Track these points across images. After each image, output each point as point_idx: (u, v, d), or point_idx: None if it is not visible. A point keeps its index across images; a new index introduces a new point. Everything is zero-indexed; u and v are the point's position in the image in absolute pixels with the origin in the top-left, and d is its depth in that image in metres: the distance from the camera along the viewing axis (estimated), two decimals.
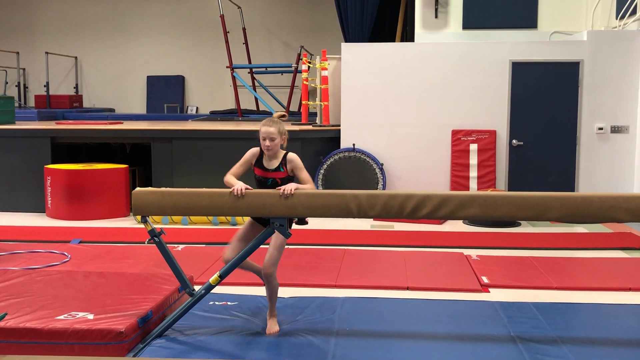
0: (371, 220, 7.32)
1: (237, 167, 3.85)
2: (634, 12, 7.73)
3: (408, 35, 9.76)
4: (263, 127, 3.79)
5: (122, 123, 9.79)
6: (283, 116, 3.98)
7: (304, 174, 3.81)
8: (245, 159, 3.87)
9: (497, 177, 8.00)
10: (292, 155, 3.82)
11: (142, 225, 3.73)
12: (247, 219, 3.96)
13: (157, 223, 7.15)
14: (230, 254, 3.79)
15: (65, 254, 5.71)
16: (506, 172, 8.02)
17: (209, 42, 13.69)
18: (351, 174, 8.10)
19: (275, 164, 3.79)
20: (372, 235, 6.75)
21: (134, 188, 8.01)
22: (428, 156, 8.11)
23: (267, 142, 3.75)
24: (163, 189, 3.82)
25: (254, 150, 3.86)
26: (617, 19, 8.10)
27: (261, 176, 3.81)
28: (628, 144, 7.79)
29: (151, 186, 8.03)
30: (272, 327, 3.83)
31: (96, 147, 9.14)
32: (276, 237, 3.77)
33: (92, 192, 7.67)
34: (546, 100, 7.90)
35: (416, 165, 8.13)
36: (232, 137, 8.16)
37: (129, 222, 7.51)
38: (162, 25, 14.17)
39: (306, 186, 3.74)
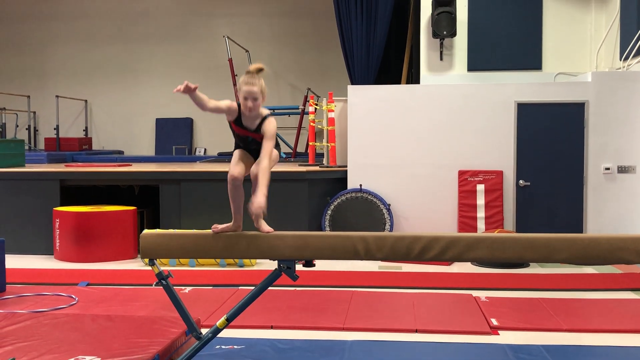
0: (379, 261, 7.30)
1: (214, 104, 3.62)
2: (637, 53, 7.81)
3: (414, 77, 9.87)
4: (245, 87, 3.55)
5: (131, 165, 9.87)
6: (261, 69, 3.70)
7: (269, 145, 3.61)
8: (223, 106, 3.63)
9: (505, 217, 7.98)
10: (270, 120, 3.62)
11: (150, 268, 3.73)
12: (235, 152, 3.77)
13: (165, 265, 7.15)
14: (240, 169, 3.61)
15: (73, 296, 5.71)
16: (514, 212, 8.01)
17: (218, 85, 13.82)
18: (358, 215, 8.10)
19: (255, 124, 3.59)
20: (380, 277, 6.72)
21: (142, 229, 8.06)
22: (435, 196, 8.12)
23: (250, 103, 3.55)
24: (170, 231, 3.84)
25: (233, 105, 3.64)
26: (621, 60, 8.18)
27: (241, 135, 3.66)
28: (635, 183, 7.78)
29: (159, 227, 8.06)
30: (265, 226, 3.58)
31: (105, 189, 9.20)
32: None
33: (100, 234, 7.70)
34: (552, 141, 7.93)
35: (424, 206, 8.14)
36: None
37: (137, 264, 7.51)
38: (171, 68, 14.37)
39: (263, 167, 3.54)
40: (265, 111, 3.69)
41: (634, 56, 7.87)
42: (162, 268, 3.73)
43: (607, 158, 7.82)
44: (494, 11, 8.93)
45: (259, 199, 3.52)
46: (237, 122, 3.66)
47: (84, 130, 14.73)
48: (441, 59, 9.04)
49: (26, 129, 14.38)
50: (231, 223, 3.74)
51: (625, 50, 8.00)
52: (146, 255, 3.68)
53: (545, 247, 3.51)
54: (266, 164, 3.59)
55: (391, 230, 7.99)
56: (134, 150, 14.51)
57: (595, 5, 8.84)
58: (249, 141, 3.66)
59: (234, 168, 3.69)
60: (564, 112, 7.91)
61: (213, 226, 3.70)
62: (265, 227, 3.67)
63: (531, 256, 3.58)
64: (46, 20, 14.69)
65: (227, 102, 3.66)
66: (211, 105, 3.64)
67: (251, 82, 3.57)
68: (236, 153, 3.78)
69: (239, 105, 3.68)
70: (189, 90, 3.56)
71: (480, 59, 8.97)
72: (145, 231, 3.75)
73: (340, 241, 3.60)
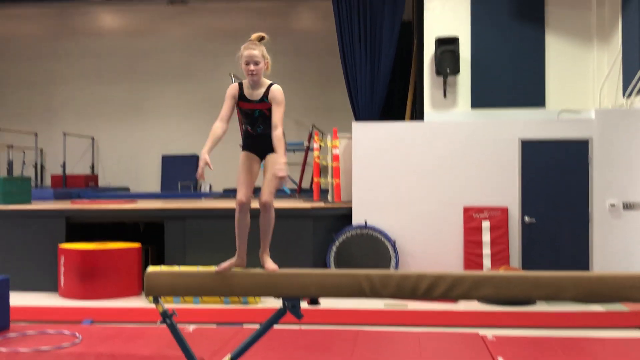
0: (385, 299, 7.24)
1: (224, 110, 3.74)
2: None
3: (417, 114, 9.93)
4: (246, 51, 3.63)
5: (137, 202, 9.89)
6: (262, 38, 3.81)
7: (279, 114, 3.67)
8: (228, 95, 3.74)
9: (511, 254, 7.94)
10: (276, 87, 3.69)
11: (154, 305, 3.73)
12: (241, 155, 3.83)
13: (169, 301, 7.12)
14: (247, 191, 3.67)
15: (77, 334, 5.68)
16: (519, 249, 7.98)
17: None
18: (364, 252, 8.08)
19: (259, 94, 3.64)
20: (385, 315, 6.67)
21: (146, 266, 8.05)
22: (441, 233, 8.10)
23: (252, 67, 3.60)
24: (175, 268, 3.85)
25: (234, 85, 3.75)
26: (624, 97, 8.22)
27: (247, 109, 3.70)
28: None
29: (164, 264, 8.04)
30: (270, 263, 3.63)
31: (110, 225, 9.22)
32: (272, 165, 3.64)
33: (105, 271, 7.69)
34: (557, 178, 7.94)
35: (429, 242, 8.11)
36: None
37: (141, 302, 7.48)
38: (177, 106, 14.52)
39: (278, 135, 3.63)
40: (268, 81, 3.74)
41: (637, 93, 7.92)
42: (167, 306, 3.72)
43: (612, 194, 7.81)
44: (497, 49, 9.02)
45: (281, 159, 3.60)
46: (241, 98, 3.71)
47: (90, 167, 14.82)
48: (445, 96, 9.10)
49: (33, 166, 14.46)
50: (235, 258, 3.75)
51: (628, 87, 8.06)
52: (151, 294, 3.68)
53: (551, 285, 3.50)
54: (279, 133, 3.65)
55: (397, 267, 7.96)
56: (140, 187, 14.55)
57: (597, 42, 8.92)
58: (255, 117, 3.68)
59: (241, 191, 3.74)
60: (568, 149, 7.93)
61: (217, 267, 3.70)
62: (270, 264, 3.68)
63: (538, 294, 3.57)
64: (54, 58, 14.90)
65: (228, 92, 3.75)
66: (231, 105, 3.74)
67: (251, 47, 3.66)
68: (241, 167, 3.81)
69: (240, 84, 3.73)
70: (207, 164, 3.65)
71: (484, 96, 9.04)
72: (150, 269, 3.75)
73: (345, 279, 3.59)
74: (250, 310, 6.96)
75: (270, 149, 3.77)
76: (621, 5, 8.47)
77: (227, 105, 3.77)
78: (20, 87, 14.92)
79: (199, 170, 3.64)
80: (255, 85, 3.70)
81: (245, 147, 3.92)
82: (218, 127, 3.80)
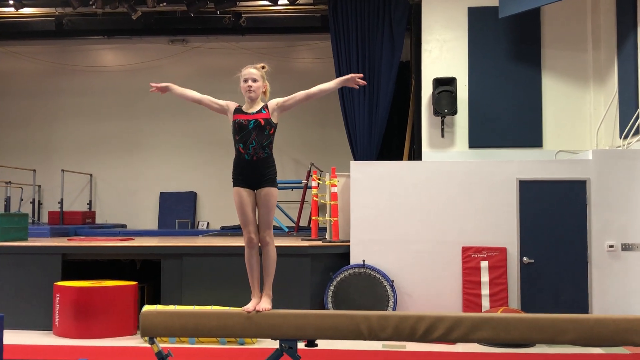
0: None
1: (210, 97, 3.95)
2: (637, 131, 7.91)
3: (415, 154, 9.98)
4: (245, 70, 3.85)
5: (134, 239, 9.86)
6: (263, 67, 4.03)
7: (292, 95, 3.94)
8: (220, 103, 3.94)
9: (510, 294, 7.89)
10: (272, 100, 3.90)
11: (150, 345, 3.69)
12: (234, 192, 3.95)
13: (165, 341, 7.03)
14: (254, 228, 3.77)
15: None
16: (518, 289, 7.93)
17: (221, 159, 13.95)
18: (361, 291, 8.02)
19: (256, 108, 3.79)
20: (383, 356, 6.60)
21: (142, 305, 7.97)
22: (439, 273, 8.05)
23: (250, 83, 3.76)
24: (172, 308, 3.82)
25: (232, 103, 3.92)
26: (620, 138, 8.28)
27: (242, 119, 3.80)
28: None
29: (160, 303, 7.97)
30: (265, 303, 3.64)
31: (107, 263, 9.16)
32: (265, 198, 3.71)
33: (100, 309, 7.61)
34: (555, 218, 7.93)
35: (428, 282, 8.06)
36: (241, 253, 8.11)
37: (137, 341, 7.39)
38: (176, 143, 14.57)
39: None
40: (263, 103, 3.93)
41: (634, 134, 7.97)
42: (162, 345, 3.68)
43: (611, 236, 7.79)
44: (494, 90, 9.12)
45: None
46: (237, 112, 3.85)
47: (87, 204, 14.79)
48: (442, 136, 9.16)
49: (30, 202, 14.44)
50: (254, 299, 3.77)
51: (625, 128, 8.12)
52: (146, 334, 3.64)
53: (550, 327, 3.47)
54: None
55: (395, 307, 7.89)
56: (138, 224, 14.52)
57: (593, 84, 9.02)
58: (249, 129, 3.78)
59: (248, 229, 3.83)
60: (565, 189, 7.94)
61: (245, 308, 3.73)
62: (264, 303, 3.68)
63: (537, 337, 3.54)
64: (52, 95, 15.00)
65: (225, 101, 3.92)
66: (195, 96, 3.98)
67: (250, 67, 3.86)
68: (240, 205, 3.89)
69: (238, 106, 3.99)
70: (164, 90, 3.90)
71: (481, 136, 9.10)
72: (146, 309, 3.73)
73: (343, 321, 3.56)
74: (246, 350, 6.88)
75: (261, 180, 3.86)
76: (617, 47, 8.60)
77: (211, 100, 4.01)
78: (20, 123, 14.98)
79: (156, 85, 3.87)
80: (252, 102, 3.84)
81: (237, 181, 3.96)
82: (195, 92, 4.12)
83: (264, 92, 3.94)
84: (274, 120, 3.84)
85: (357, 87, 4.06)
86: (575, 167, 7.99)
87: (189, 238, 10.70)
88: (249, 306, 3.73)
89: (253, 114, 3.84)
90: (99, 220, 14.60)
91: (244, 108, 3.88)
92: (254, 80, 3.82)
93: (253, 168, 3.88)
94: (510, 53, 9.20)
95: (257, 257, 3.92)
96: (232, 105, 3.94)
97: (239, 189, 3.93)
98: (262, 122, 3.78)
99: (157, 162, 14.63)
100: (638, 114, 7.88)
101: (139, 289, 8.18)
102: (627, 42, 8.21)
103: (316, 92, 4.01)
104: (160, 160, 14.62)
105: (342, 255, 8.33)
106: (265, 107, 3.87)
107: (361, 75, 3.92)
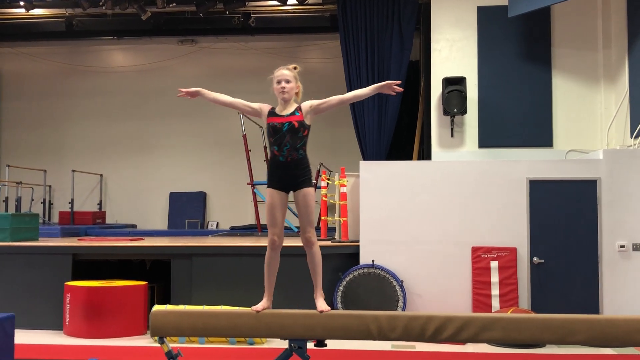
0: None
1: (243, 101, 3.95)
2: None
3: (425, 154, 9.96)
4: (277, 72, 3.86)
5: (144, 239, 9.88)
6: (295, 67, 4.02)
7: (327, 99, 3.97)
8: (254, 106, 3.95)
9: (520, 295, 7.85)
10: (306, 102, 3.90)
11: (160, 345, 3.70)
12: (267, 193, 3.98)
13: (174, 341, 7.05)
14: (279, 230, 3.77)
15: None
16: (528, 290, 7.89)
17: (231, 160, 14.03)
18: (371, 291, 8.01)
19: (290, 110, 3.78)
20: (393, 357, 6.59)
21: (152, 305, 7.99)
22: (449, 273, 8.02)
23: (283, 84, 3.76)
24: (181, 308, 3.83)
25: (265, 105, 3.93)
26: (631, 137, 8.22)
27: (276, 122, 3.80)
28: None
29: (170, 303, 7.99)
30: (323, 304, 3.68)
31: (117, 263, 9.20)
32: (305, 198, 3.72)
33: (110, 309, 7.64)
34: (565, 218, 7.89)
35: (437, 282, 8.03)
36: (251, 253, 8.18)
37: (147, 341, 7.41)
38: (186, 144, 14.61)
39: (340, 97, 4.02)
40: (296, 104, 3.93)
41: None
42: (172, 345, 3.69)
43: (622, 236, 7.74)
44: (504, 89, 9.08)
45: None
46: (271, 115, 3.85)
47: (98, 204, 14.86)
48: (452, 135, 9.14)
49: (41, 202, 14.52)
50: (265, 300, 3.78)
51: (636, 128, 8.06)
52: (156, 334, 3.65)
53: (561, 328, 3.45)
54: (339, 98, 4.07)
55: (404, 307, 7.88)
56: (147, 224, 14.57)
57: (604, 83, 8.97)
58: (284, 132, 3.78)
59: (274, 230, 3.83)
60: (576, 189, 7.90)
61: (254, 308, 3.74)
62: (322, 305, 3.72)
63: (547, 337, 3.52)
64: (64, 96, 15.08)
65: (258, 104, 3.92)
66: (227, 100, 3.96)
67: (284, 68, 3.86)
68: (270, 206, 3.90)
69: (272, 108, 4.00)
70: (194, 95, 3.89)
71: (491, 136, 9.07)
72: (156, 308, 3.74)
73: (352, 321, 3.56)
74: (255, 350, 6.88)
75: (297, 182, 3.87)
76: (627, 46, 8.54)
77: (245, 104, 4.03)
78: (30, 124, 15.07)
79: (185, 90, 3.88)
80: (286, 103, 3.84)
81: (271, 182, 3.98)
82: (227, 96, 4.10)
83: (297, 93, 3.95)
84: (307, 122, 3.86)
85: (394, 93, 4.04)
86: (586, 167, 7.95)
87: (198, 238, 10.72)
88: (258, 306, 3.73)
89: (286, 116, 3.85)
90: (109, 220, 14.67)
91: (277, 110, 3.88)
92: (287, 82, 3.83)
93: (288, 170, 3.90)
94: (520, 52, 9.17)
95: (277, 259, 3.95)
96: (265, 107, 3.94)
97: (271, 191, 3.96)
98: (296, 124, 3.78)
99: (167, 162, 14.68)
100: None
101: (149, 289, 8.20)
102: (638, 40, 8.15)
103: (350, 98, 4.04)
104: (170, 161, 14.67)
105: (352, 255, 8.32)
106: (299, 109, 3.87)
107: (399, 82, 3.90)
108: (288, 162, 3.90)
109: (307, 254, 3.85)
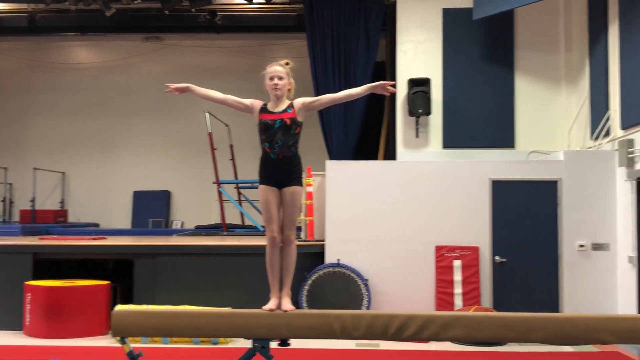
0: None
1: (234, 97, 3.93)
2: (607, 133, 8.03)
3: (390, 154, 10.02)
4: (270, 68, 3.83)
5: (106, 238, 9.76)
6: (287, 63, 4.00)
7: (319, 97, 3.94)
8: (245, 102, 3.92)
9: (482, 293, 7.96)
10: (298, 99, 3.89)
11: (121, 345, 3.66)
12: (260, 190, 3.97)
13: (137, 341, 6.97)
14: (278, 227, 3.77)
15: None
16: (491, 288, 8.00)
17: (196, 158, 13.92)
18: (336, 290, 8.03)
19: (282, 107, 3.78)
20: (356, 355, 6.61)
21: (115, 304, 7.90)
22: (413, 272, 8.09)
23: (276, 80, 3.75)
24: (144, 308, 3.79)
25: (257, 101, 3.91)
26: (591, 139, 8.39)
27: (268, 119, 3.79)
28: (610, 261, 7.83)
29: (133, 302, 7.90)
30: (288, 304, 3.69)
31: (78, 262, 9.06)
32: (292, 196, 3.72)
33: (71, 309, 7.53)
34: (527, 218, 8.02)
35: (401, 281, 8.10)
36: (216, 252, 8.15)
37: (109, 341, 7.32)
38: (150, 142, 14.46)
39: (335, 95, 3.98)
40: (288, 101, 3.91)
41: (605, 135, 8.09)
42: (134, 345, 3.65)
43: (582, 235, 7.90)
44: (468, 91, 9.19)
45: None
46: (263, 111, 3.83)
47: (60, 203, 14.62)
48: (417, 136, 9.22)
49: (2, 200, 14.24)
50: (273, 299, 3.77)
51: (596, 129, 8.23)
52: (118, 334, 3.61)
53: (521, 326, 3.51)
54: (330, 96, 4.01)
55: (369, 306, 7.92)
56: (110, 223, 14.38)
57: (565, 86, 9.14)
58: (275, 128, 3.77)
59: (272, 227, 3.84)
60: (537, 189, 8.04)
61: (265, 307, 3.74)
62: (287, 305, 3.72)
63: (507, 336, 3.57)
64: (26, 93, 14.80)
65: (250, 100, 3.89)
66: (218, 96, 3.92)
67: (276, 65, 3.86)
68: (265, 202, 3.90)
69: (264, 104, 3.96)
70: (183, 91, 3.86)
71: (455, 137, 9.17)
72: (118, 308, 3.70)
73: (316, 320, 3.56)
74: (219, 350, 6.85)
75: (287, 179, 3.87)
76: (588, 49, 8.71)
77: (237, 100, 3.99)
78: None
79: (174, 86, 3.85)
80: (278, 100, 3.82)
81: (263, 179, 3.97)
82: (218, 92, 4.05)
83: (289, 90, 3.93)
84: (300, 119, 3.85)
85: (388, 94, 4.05)
86: (547, 168, 8.09)
87: (162, 237, 10.63)
88: (270, 305, 3.74)
89: (279, 113, 3.82)
90: (71, 219, 14.44)
91: (269, 107, 3.86)
92: (280, 78, 3.81)
93: (279, 167, 3.89)
94: (484, 54, 9.28)
95: (279, 256, 3.94)
96: (257, 104, 3.90)
97: (264, 187, 3.96)
98: (288, 121, 3.77)
99: (131, 160, 14.50)
100: (609, 116, 8.00)
101: (112, 288, 8.11)
102: (599, 44, 8.33)
103: (342, 97, 4.02)
104: (134, 159, 14.49)
105: (317, 254, 8.33)
106: (291, 106, 3.85)
107: (393, 82, 3.91)
108: (279, 159, 3.90)
109: (283, 252, 3.85)
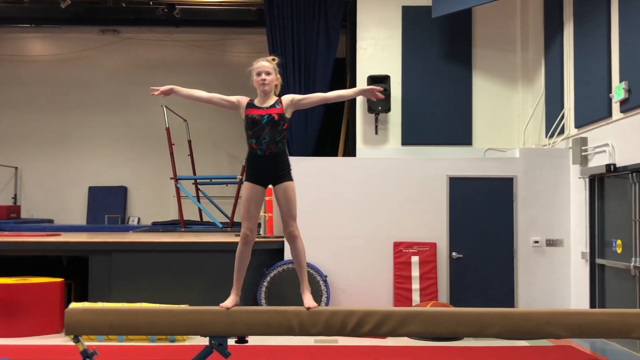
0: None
1: (219, 95, 3.88)
2: (562, 131, 8.19)
3: (350, 150, 10.05)
4: (257, 63, 3.81)
5: (60, 235, 9.56)
6: (274, 59, 3.99)
7: (309, 95, 3.90)
8: (231, 100, 3.87)
9: (439, 289, 8.05)
10: (286, 95, 3.86)
11: (75, 343, 3.59)
12: (244, 187, 3.92)
13: (93, 339, 6.85)
14: (252, 225, 3.71)
15: None
16: (448, 284, 8.10)
17: (154, 154, 13.73)
18: (295, 287, 7.90)
19: (270, 102, 3.75)
20: (315, 351, 6.62)
21: (69, 302, 7.74)
22: (372, 268, 8.13)
23: (263, 76, 3.72)
24: (99, 305, 3.72)
25: (243, 98, 3.88)
26: (546, 137, 8.55)
27: (255, 114, 3.75)
28: (563, 256, 8.01)
29: (87, 300, 7.76)
30: (309, 300, 3.66)
31: (31, 259, 8.85)
32: (285, 192, 3.69)
33: (24, 307, 7.35)
34: (483, 214, 8.14)
35: (361, 277, 8.13)
36: (173, 249, 8.05)
37: (62, 339, 7.18)
38: (107, 137, 14.19)
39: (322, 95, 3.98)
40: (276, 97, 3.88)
41: (559, 134, 8.25)
42: (90, 344, 3.58)
43: (536, 231, 8.05)
44: (426, 88, 9.27)
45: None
46: (250, 107, 3.79)
47: (12, 198, 14.25)
48: (376, 132, 9.26)
49: None
50: (233, 296, 3.72)
51: (551, 128, 8.39)
52: (71, 332, 3.54)
53: (476, 321, 3.55)
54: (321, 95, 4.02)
55: (327, 302, 7.93)
56: (65, 219, 14.07)
57: (522, 84, 9.29)
58: (262, 124, 3.72)
59: (246, 224, 3.80)
60: (494, 186, 8.16)
61: (222, 305, 3.68)
62: (309, 301, 3.69)
63: (463, 331, 3.62)
64: None
65: (236, 97, 3.84)
66: (203, 96, 3.87)
67: (263, 60, 3.81)
68: (246, 199, 3.87)
69: (250, 100, 3.91)
70: (167, 93, 3.78)
71: (414, 134, 9.25)
72: (71, 306, 3.62)
73: (274, 317, 3.55)
74: (177, 347, 6.78)
75: (276, 176, 3.83)
76: (544, 49, 8.87)
77: (223, 98, 3.93)
78: None
79: (158, 88, 3.77)
80: (265, 96, 3.77)
81: (249, 176, 3.91)
82: (202, 91, 3.97)
83: (276, 86, 3.88)
84: (287, 115, 3.79)
85: (375, 99, 4.04)
86: (503, 165, 8.22)
87: (118, 234, 10.46)
88: (227, 302, 3.68)
89: (266, 108, 3.77)
90: (24, 215, 14.08)
91: (256, 102, 3.80)
92: (268, 73, 3.76)
93: (266, 164, 3.83)
94: (443, 52, 9.37)
95: (249, 254, 3.92)
96: (243, 100, 3.84)
97: (248, 184, 3.91)
98: (276, 117, 3.71)
99: (87, 155, 14.22)
100: (563, 114, 8.16)
101: (66, 286, 7.95)
102: (554, 43, 8.48)
103: (332, 97, 4.02)
104: (90, 154, 14.21)
105: (276, 251, 8.31)
106: (279, 101, 3.79)
107: (382, 89, 3.90)
108: (266, 155, 3.85)
109: (291, 249, 3.84)
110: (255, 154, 3.90)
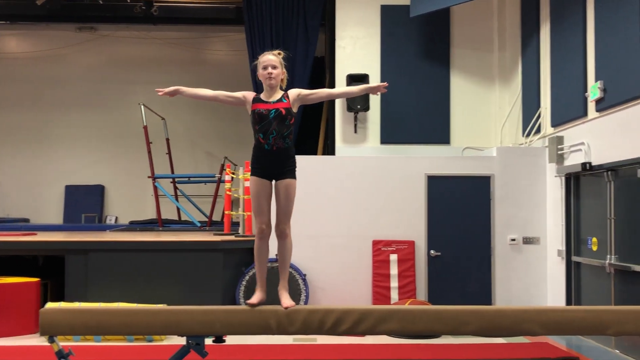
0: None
1: (225, 92, 3.83)
2: (538, 130, 8.27)
3: (329, 149, 10.05)
4: (263, 57, 3.77)
5: (36, 234, 9.45)
6: (280, 53, 3.95)
7: (315, 90, 3.88)
8: (237, 96, 3.83)
9: (417, 287, 8.09)
10: (293, 89, 3.82)
11: (50, 344, 3.55)
12: (251, 181, 3.88)
13: (69, 339, 6.79)
14: (267, 219, 3.68)
15: None
16: (426, 282, 8.14)
17: (131, 152, 13.63)
18: (274, 286, 7.96)
19: (277, 96, 3.71)
20: (294, 350, 6.62)
21: (45, 302, 7.66)
22: (351, 266, 8.15)
23: (270, 69, 3.68)
24: (74, 305, 3.69)
25: (249, 93, 3.84)
26: (523, 136, 8.63)
27: (262, 109, 3.70)
28: (540, 254, 8.08)
29: (64, 300, 7.68)
30: (287, 300, 3.64)
31: (7, 259, 8.74)
32: (286, 189, 3.67)
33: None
34: (461, 212, 8.19)
35: (339, 275, 8.14)
36: (151, 248, 7.99)
37: (38, 340, 7.09)
38: (83, 135, 14.06)
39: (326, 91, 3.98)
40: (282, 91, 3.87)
41: (535, 133, 8.33)
42: (66, 344, 3.55)
43: (513, 229, 8.12)
44: (405, 87, 9.30)
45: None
46: (256, 101, 3.73)
47: None
48: (355, 131, 9.28)
49: None
50: (259, 292, 3.71)
51: (527, 127, 8.46)
52: (46, 333, 3.50)
53: (453, 319, 3.58)
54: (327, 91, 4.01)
55: (307, 301, 7.93)
56: (41, 218, 13.92)
57: (499, 83, 9.36)
58: (270, 119, 3.69)
59: (261, 219, 3.78)
60: (471, 184, 8.21)
61: (249, 302, 3.66)
62: (287, 300, 3.66)
63: (440, 328, 3.64)
64: None
65: (241, 92, 3.79)
66: (209, 94, 3.82)
67: (269, 54, 3.78)
68: (255, 194, 3.84)
69: (256, 94, 3.88)
70: (173, 94, 3.74)
71: (393, 133, 9.28)
72: (47, 306, 3.59)
73: (251, 316, 3.54)
74: (154, 347, 6.73)
75: (280, 171, 3.80)
76: (521, 48, 8.95)
77: (229, 95, 3.87)
78: None
79: (163, 90, 3.73)
80: (272, 90, 3.73)
81: (255, 170, 3.88)
82: (208, 90, 3.91)
83: (282, 80, 3.85)
84: (294, 110, 3.77)
85: (378, 94, 4.06)
86: (481, 164, 8.28)
87: (95, 233, 10.36)
88: (253, 299, 3.67)
89: (273, 102, 3.72)
90: None
91: (262, 97, 3.75)
92: (274, 67, 3.72)
93: (272, 159, 3.79)
94: (421, 52, 9.41)
95: (267, 248, 3.89)
96: (249, 95, 3.80)
97: (255, 179, 3.86)
98: (284, 111, 3.68)
99: (63, 154, 14.07)
100: (539, 113, 8.24)
101: (42, 285, 7.86)
102: (531, 43, 8.56)
103: (339, 94, 4.05)
104: (66, 152, 14.07)
105: None
106: (286, 96, 3.75)
107: (385, 84, 3.89)
108: (273, 150, 3.82)
109: (279, 246, 3.80)
110: (262, 149, 3.87)
